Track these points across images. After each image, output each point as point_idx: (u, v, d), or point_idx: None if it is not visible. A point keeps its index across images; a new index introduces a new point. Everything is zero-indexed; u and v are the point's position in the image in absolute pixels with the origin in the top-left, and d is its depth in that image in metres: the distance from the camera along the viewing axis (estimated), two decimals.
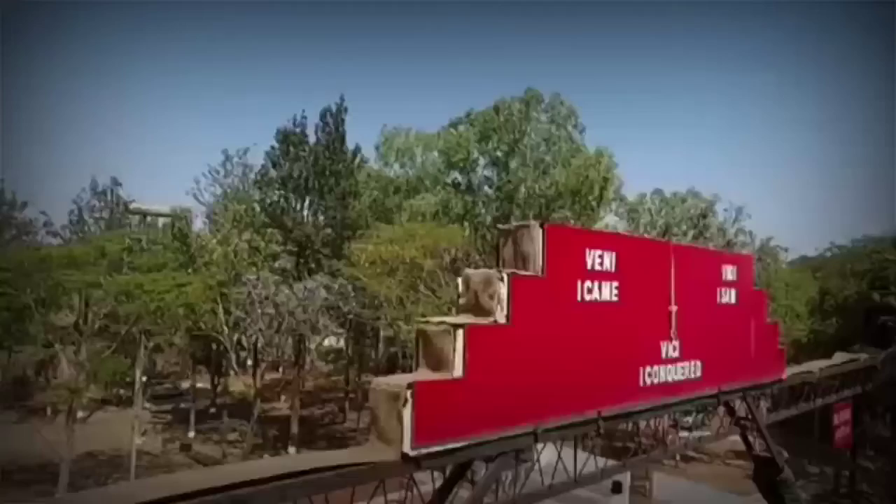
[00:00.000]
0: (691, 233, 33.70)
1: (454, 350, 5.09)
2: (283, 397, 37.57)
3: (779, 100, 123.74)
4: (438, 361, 5.22)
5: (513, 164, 35.06)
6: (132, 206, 32.41)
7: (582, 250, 6.13)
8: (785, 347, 9.75)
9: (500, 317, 5.41)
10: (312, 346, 34.76)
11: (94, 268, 25.95)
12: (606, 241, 6.45)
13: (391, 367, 52.51)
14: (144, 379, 29.83)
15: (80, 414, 28.04)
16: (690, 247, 8.33)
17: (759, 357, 8.83)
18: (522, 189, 35.80)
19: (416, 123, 48.65)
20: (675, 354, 7.25)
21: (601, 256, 6.27)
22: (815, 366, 10.60)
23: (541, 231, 5.74)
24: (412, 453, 4.77)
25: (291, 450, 32.79)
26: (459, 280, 5.83)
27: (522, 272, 5.66)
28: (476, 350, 5.15)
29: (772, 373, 9.15)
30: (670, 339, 7.17)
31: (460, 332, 5.10)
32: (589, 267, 6.17)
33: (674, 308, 7.16)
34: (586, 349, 6.17)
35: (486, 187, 36.58)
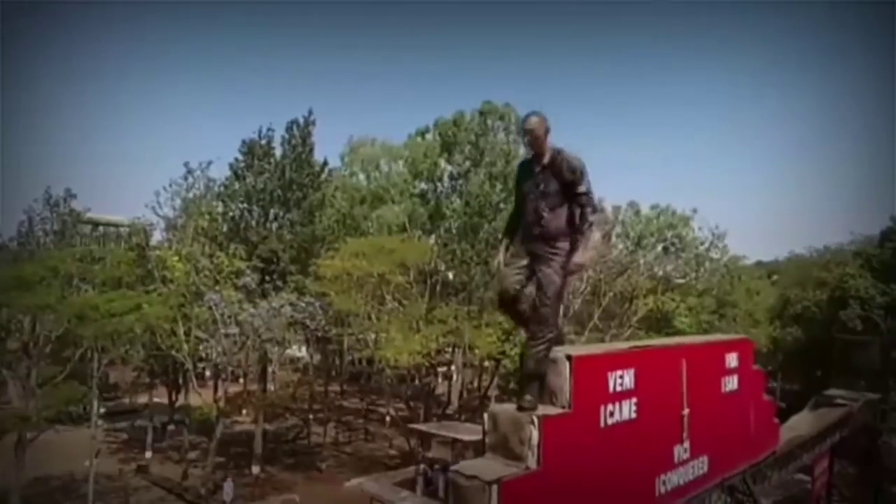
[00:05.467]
0: (660, 246, 34.12)
1: None
2: (244, 411, 36.63)
3: (776, 99, 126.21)
4: None
5: (475, 176, 34.78)
6: (85, 216, 30.84)
7: (605, 375, 5.96)
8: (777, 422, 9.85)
9: (532, 462, 5.20)
10: (275, 359, 33.98)
11: (46, 288, 24.64)
12: (626, 359, 6.29)
13: (355, 379, 51.94)
14: (100, 405, 28.52)
15: (27, 435, 26.68)
16: (699, 345, 8.30)
17: (758, 435, 8.91)
18: (484, 200, 35.49)
19: (381, 134, 47.93)
20: (686, 456, 7.19)
21: (622, 377, 6.12)
22: (802, 427, 10.81)
23: (568, 364, 5.55)
24: None
25: (255, 469, 32.07)
26: (486, 416, 5.60)
27: (551, 411, 5.45)
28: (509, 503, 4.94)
29: (768, 447, 9.25)
30: (682, 442, 7.11)
31: (495, 488, 4.88)
32: (611, 390, 6.01)
33: (686, 411, 7.09)
34: (607, 472, 6.01)
35: (451, 199, 36.22)
